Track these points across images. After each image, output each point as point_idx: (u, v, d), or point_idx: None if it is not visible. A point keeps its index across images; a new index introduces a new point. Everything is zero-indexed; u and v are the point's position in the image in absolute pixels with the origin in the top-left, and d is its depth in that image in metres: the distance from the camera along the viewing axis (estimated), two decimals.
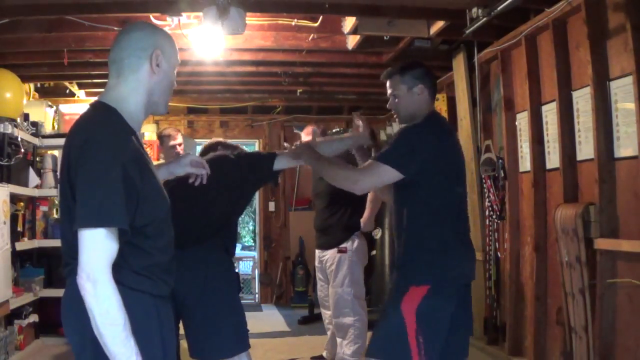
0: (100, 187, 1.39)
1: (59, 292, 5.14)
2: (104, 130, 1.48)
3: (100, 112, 1.55)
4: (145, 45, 1.58)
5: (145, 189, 1.49)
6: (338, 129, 5.78)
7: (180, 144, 4.47)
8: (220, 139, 3.22)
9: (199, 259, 2.67)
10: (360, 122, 2.69)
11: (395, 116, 2.52)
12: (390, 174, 2.29)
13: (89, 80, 5.67)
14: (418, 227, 2.32)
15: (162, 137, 4.50)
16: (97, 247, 1.38)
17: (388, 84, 2.50)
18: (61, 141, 4.89)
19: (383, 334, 2.32)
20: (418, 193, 2.31)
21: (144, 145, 1.68)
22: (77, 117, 4.96)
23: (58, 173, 4.91)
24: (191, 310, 2.64)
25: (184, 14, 3.94)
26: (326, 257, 4.03)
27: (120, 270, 1.44)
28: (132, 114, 1.58)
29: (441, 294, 2.25)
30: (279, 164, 2.65)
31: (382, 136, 7.54)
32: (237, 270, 2.83)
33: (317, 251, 4.16)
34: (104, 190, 1.39)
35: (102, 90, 1.64)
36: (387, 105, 2.52)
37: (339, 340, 3.94)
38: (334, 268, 3.94)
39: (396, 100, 2.46)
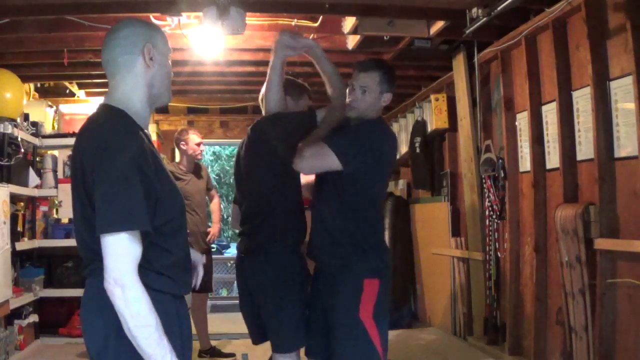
0: (119, 191, 1.40)
1: (59, 292, 5.14)
2: (116, 133, 1.48)
3: (108, 115, 1.56)
4: (135, 40, 1.58)
5: (161, 188, 1.51)
6: None
7: (201, 143, 4.57)
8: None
9: (265, 259, 2.57)
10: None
11: (348, 107, 2.44)
12: (333, 162, 2.25)
13: (89, 80, 5.66)
14: (360, 222, 2.35)
15: (179, 139, 4.53)
16: (122, 252, 1.39)
17: (362, 74, 2.41)
18: (61, 141, 4.95)
19: (349, 351, 2.27)
20: (363, 189, 2.32)
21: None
22: (77, 117, 4.98)
23: (58, 173, 4.92)
24: (261, 307, 2.61)
25: (184, 14, 3.95)
26: None
27: (143, 271, 1.45)
28: (138, 112, 1.58)
29: (386, 287, 2.35)
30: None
31: None
32: (301, 260, 2.62)
33: None
34: (124, 194, 1.40)
35: (102, 90, 1.65)
36: (348, 92, 2.43)
37: None
38: None
39: (364, 95, 2.39)
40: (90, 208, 1.44)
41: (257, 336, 2.73)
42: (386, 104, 2.48)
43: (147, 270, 1.48)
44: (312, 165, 2.33)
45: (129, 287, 1.38)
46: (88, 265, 1.53)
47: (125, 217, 1.39)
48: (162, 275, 1.52)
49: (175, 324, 1.56)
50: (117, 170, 1.41)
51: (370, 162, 2.32)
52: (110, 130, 1.50)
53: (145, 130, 1.61)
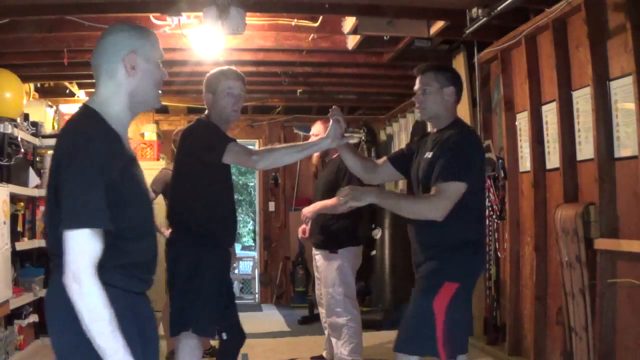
0: (81, 189, 1.45)
1: None
2: (83, 134, 1.53)
3: (83, 116, 1.61)
4: (118, 49, 1.61)
5: (125, 192, 1.53)
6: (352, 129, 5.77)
7: None
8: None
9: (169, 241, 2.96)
10: (330, 123, 2.61)
11: (418, 111, 2.59)
12: (461, 189, 2.36)
13: (89, 80, 5.66)
14: (457, 226, 2.40)
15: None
16: (81, 248, 1.43)
17: (419, 78, 2.55)
18: None
19: (412, 330, 2.40)
20: (462, 196, 2.38)
21: (132, 147, 1.73)
22: None
23: None
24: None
25: (184, 14, 3.94)
26: (319, 256, 4.03)
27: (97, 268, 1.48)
28: (117, 116, 1.61)
29: (468, 293, 2.45)
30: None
31: (382, 136, 7.55)
32: (195, 253, 2.77)
33: (313, 250, 4.17)
34: (86, 193, 1.45)
35: None
36: (414, 98, 2.58)
37: (334, 340, 3.93)
38: (324, 268, 3.94)
39: (424, 95, 2.52)
40: (56, 205, 1.49)
41: None
42: (451, 98, 2.54)
43: (101, 268, 1.49)
44: (450, 207, 2.36)
45: (86, 282, 1.42)
46: (52, 259, 1.56)
47: (87, 215, 1.44)
48: (112, 270, 1.53)
49: (130, 319, 1.56)
50: (81, 169, 1.46)
51: (477, 168, 2.48)
52: (79, 131, 1.55)
53: (121, 133, 1.62)
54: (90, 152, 1.47)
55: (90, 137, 1.51)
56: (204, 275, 2.72)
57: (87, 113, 1.60)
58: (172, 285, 2.81)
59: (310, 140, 3.68)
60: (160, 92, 1.72)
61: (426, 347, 2.36)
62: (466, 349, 2.48)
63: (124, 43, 1.61)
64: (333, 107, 2.66)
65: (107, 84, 1.62)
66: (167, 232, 4.34)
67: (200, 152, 2.70)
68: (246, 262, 9.61)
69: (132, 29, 1.67)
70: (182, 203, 2.82)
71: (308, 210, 3.95)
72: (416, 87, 2.58)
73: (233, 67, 2.93)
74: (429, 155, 2.48)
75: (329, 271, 3.90)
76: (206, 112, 2.91)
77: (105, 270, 1.50)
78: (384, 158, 2.84)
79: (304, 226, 4.16)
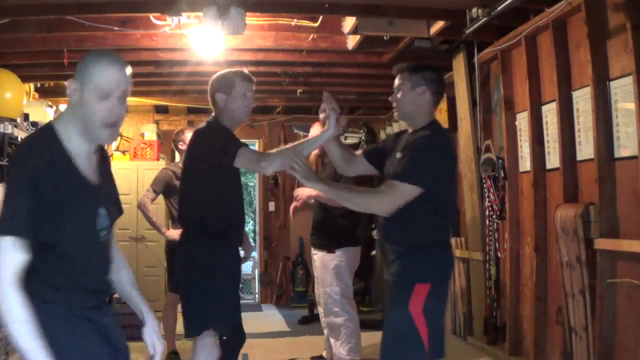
0: (8, 199, 1.52)
1: None
2: (26, 147, 1.64)
3: (38, 131, 1.71)
4: (75, 76, 1.64)
5: (61, 208, 1.55)
6: (351, 129, 5.76)
7: None
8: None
9: (181, 241, 2.91)
10: (326, 114, 2.62)
11: (394, 110, 2.59)
12: (413, 192, 2.33)
13: None
14: (422, 226, 2.39)
15: (176, 140, 4.49)
16: (2, 255, 1.48)
17: (396, 78, 2.55)
18: None
19: (396, 338, 2.36)
20: (425, 196, 2.35)
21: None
22: None
23: None
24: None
25: (184, 14, 3.94)
26: (317, 256, 4.03)
27: (33, 282, 1.52)
28: (72, 139, 1.62)
29: (441, 291, 2.41)
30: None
31: (382, 136, 7.55)
32: (206, 251, 2.76)
33: (312, 249, 4.17)
34: (11, 202, 1.51)
35: None
36: (389, 98, 2.57)
37: (332, 340, 3.92)
38: (322, 268, 3.94)
39: (398, 95, 2.51)
40: None
41: None
42: (424, 97, 2.48)
43: (36, 282, 1.53)
44: (397, 206, 2.35)
45: (3, 286, 1.46)
46: None
47: (8, 223, 1.50)
48: (51, 287, 1.57)
49: (83, 329, 1.59)
50: (12, 179, 1.57)
51: (440, 172, 2.42)
52: (25, 144, 1.67)
53: (76, 155, 1.62)
54: (25, 166, 1.53)
55: (30, 148, 1.59)
56: (222, 274, 2.74)
57: (43, 129, 1.67)
58: (190, 285, 2.77)
59: None
60: (111, 128, 1.63)
61: (412, 353, 2.31)
62: (443, 353, 2.41)
63: (79, 72, 1.63)
64: (324, 93, 2.63)
65: (68, 106, 1.67)
66: (168, 232, 4.36)
67: (212, 155, 2.71)
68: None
69: (90, 58, 1.65)
70: (193, 204, 2.82)
71: (303, 193, 3.98)
72: (394, 86, 2.58)
73: (245, 70, 2.94)
74: (399, 155, 2.46)
75: (326, 271, 3.90)
76: (213, 113, 2.92)
77: (45, 286, 1.55)
78: (360, 151, 2.84)
79: (295, 203, 4.17)
